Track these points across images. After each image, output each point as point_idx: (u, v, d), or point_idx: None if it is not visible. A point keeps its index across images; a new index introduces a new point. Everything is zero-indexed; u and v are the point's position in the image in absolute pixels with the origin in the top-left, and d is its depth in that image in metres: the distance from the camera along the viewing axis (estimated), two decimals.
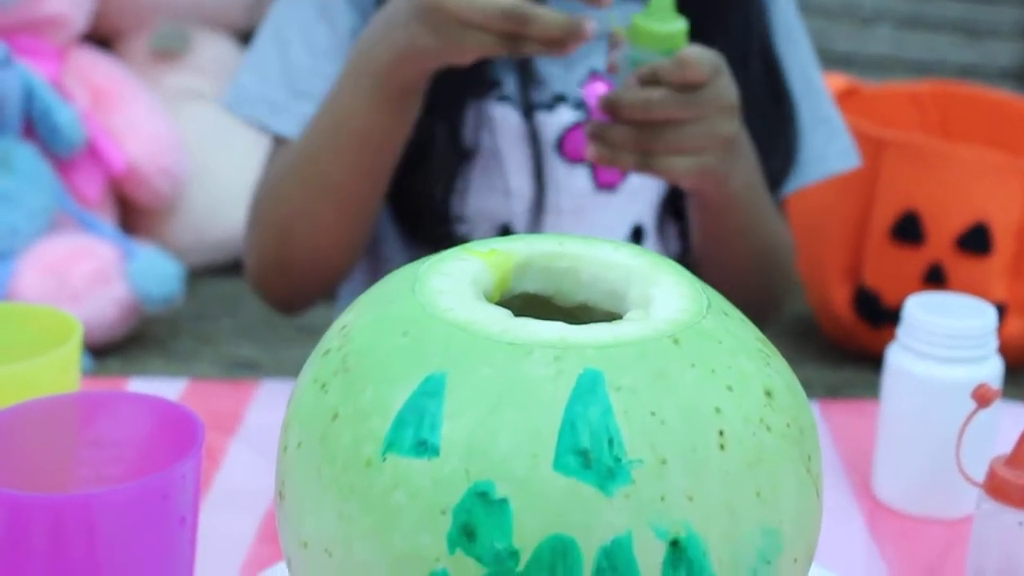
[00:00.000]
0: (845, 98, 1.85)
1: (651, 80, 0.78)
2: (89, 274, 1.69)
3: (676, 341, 0.49)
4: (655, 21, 0.78)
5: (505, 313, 0.50)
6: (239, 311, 1.89)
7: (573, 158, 0.96)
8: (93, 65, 1.95)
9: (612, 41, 0.80)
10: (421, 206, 0.96)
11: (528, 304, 0.57)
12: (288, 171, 0.93)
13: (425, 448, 0.46)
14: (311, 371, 0.52)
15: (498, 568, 0.45)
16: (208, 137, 2.03)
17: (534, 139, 0.94)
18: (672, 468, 0.46)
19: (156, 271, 1.72)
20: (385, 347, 0.49)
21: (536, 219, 0.95)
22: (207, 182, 2.01)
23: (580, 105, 0.95)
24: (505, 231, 0.96)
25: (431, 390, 0.47)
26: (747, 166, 0.88)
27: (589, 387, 0.46)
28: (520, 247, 0.55)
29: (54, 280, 1.68)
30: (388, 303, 0.52)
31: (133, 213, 1.99)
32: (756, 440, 0.48)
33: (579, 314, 0.57)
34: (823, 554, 0.74)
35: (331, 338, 0.53)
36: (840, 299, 1.80)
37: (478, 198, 0.96)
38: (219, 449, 0.83)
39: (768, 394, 0.49)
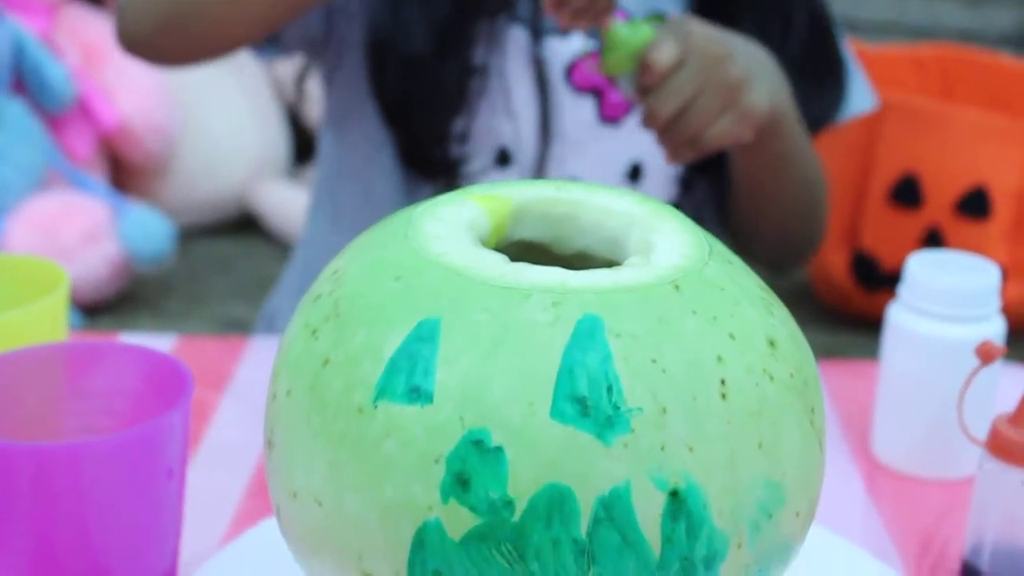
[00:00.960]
0: None
1: (644, 90, 0.80)
2: (80, 232, 1.68)
3: (677, 288, 0.47)
4: (613, 48, 0.80)
5: (502, 258, 0.49)
6: (232, 271, 1.88)
7: (581, 87, 0.94)
8: (84, 21, 1.92)
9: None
10: (422, 123, 0.94)
11: (525, 252, 0.56)
12: None
13: (418, 395, 0.45)
14: (302, 317, 0.51)
15: (493, 518, 0.44)
16: (201, 96, 2.01)
17: (540, 63, 0.93)
18: (672, 417, 0.45)
19: (147, 229, 1.70)
20: (377, 292, 0.48)
21: (536, 145, 0.94)
22: (200, 141, 2.00)
23: (593, 34, 0.94)
24: (504, 156, 0.95)
25: (425, 335, 0.46)
26: (778, 89, 0.87)
27: (588, 333, 0.45)
28: (518, 192, 0.54)
29: (44, 237, 1.66)
30: (381, 248, 0.50)
31: (125, 172, 1.97)
32: (759, 390, 0.47)
33: (577, 262, 0.56)
34: (821, 515, 0.73)
35: (322, 283, 0.51)
36: (837, 263, 1.79)
37: (481, 118, 0.94)
38: (209, 405, 0.82)
39: (771, 343, 0.48)
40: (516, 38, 0.94)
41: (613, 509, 0.44)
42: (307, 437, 0.48)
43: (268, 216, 2.12)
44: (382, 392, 0.46)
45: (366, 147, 0.99)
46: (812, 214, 1.00)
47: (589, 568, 0.44)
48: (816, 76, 0.98)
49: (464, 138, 0.95)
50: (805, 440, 0.48)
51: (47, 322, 0.69)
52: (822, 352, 1.73)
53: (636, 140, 0.96)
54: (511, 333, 0.45)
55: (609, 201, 0.54)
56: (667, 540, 0.45)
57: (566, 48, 0.94)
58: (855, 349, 1.74)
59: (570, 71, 0.94)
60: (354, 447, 0.46)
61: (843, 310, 1.83)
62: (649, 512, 0.44)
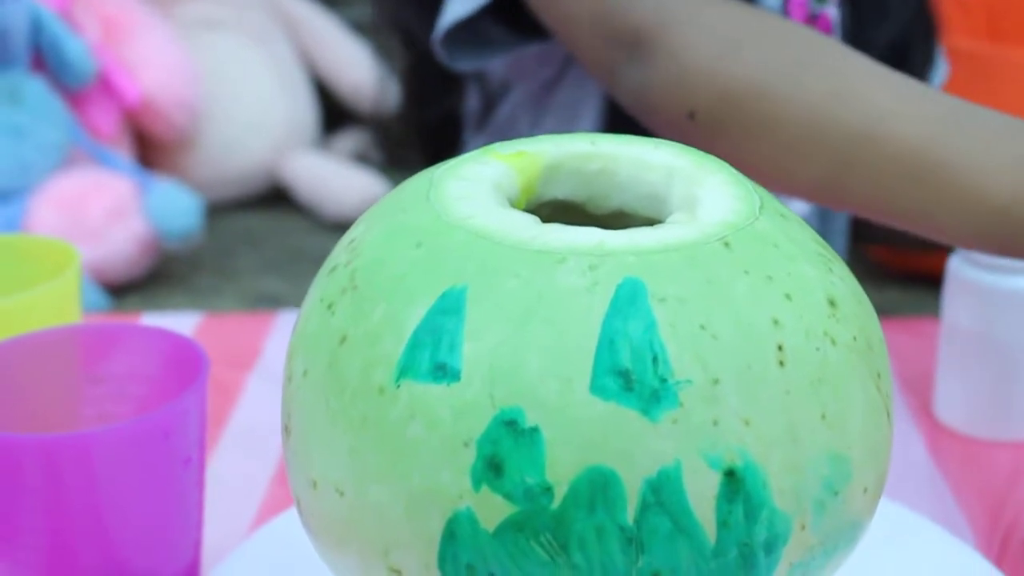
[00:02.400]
0: None
1: None
2: (105, 210, 1.65)
3: (727, 245, 0.43)
4: None
5: (532, 219, 0.44)
6: (262, 245, 1.85)
7: None
8: None
9: None
10: (449, 131, 0.90)
11: (557, 213, 0.51)
12: None
13: (444, 372, 0.41)
14: (317, 291, 0.47)
15: (530, 506, 0.40)
16: (227, 68, 1.98)
17: None
18: (725, 389, 0.40)
19: (174, 205, 1.67)
20: (397, 260, 0.44)
21: None
22: (227, 114, 1.96)
23: None
24: None
25: (449, 307, 0.42)
26: None
27: (629, 298, 0.41)
28: (548, 148, 0.49)
29: (69, 216, 1.63)
30: (400, 212, 0.46)
31: (151, 148, 1.94)
32: (820, 355, 0.42)
33: (615, 223, 0.52)
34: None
35: (338, 254, 0.47)
36: None
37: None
38: (235, 385, 0.79)
39: (832, 303, 0.44)
40: None
41: (662, 492, 0.40)
42: (325, 421, 0.44)
43: (298, 188, 2.08)
44: (404, 370, 0.41)
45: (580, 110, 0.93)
46: None
47: (638, 558, 0.40)
48: (920, 46, 0.91)
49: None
50: (872, 408, 0.44)
51: (59, 304, 0.66)
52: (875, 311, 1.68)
53: None
54: (544, 301, 0.41)
55: (647, 153, 0.49)
56: (723, 524, 0.40)
57: None
58: (907, 307, 1.69)
59: None
60: (376, 431, 0.42)
61: (892, 265, 1.78)
62: (702, 494, 0.40)
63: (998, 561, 0.62)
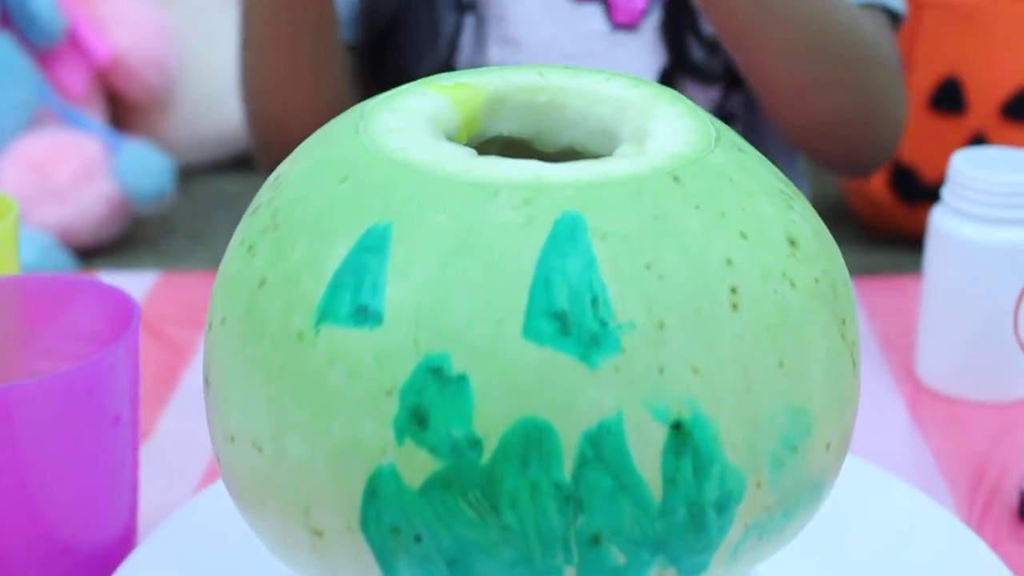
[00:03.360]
0: None
1: None
2: (73, 170, 1.61)
3: (676, 179, 0.39)
4: None
5: (467, 152, 0.41)
6: (236, 208, 1.81)
7: None
8: None
9: None
10: (419, 69, 0.87)
11: (504, 150, 0.48)
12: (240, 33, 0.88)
13: (366, 315, 0.37)
14: (239, 233, 0.43)
15: (456, 461, 0.36)
16: (202, 27, 1.93)
17: None
18: (672, 333, 0.37)
19: (144, 166, 1.63)
20: (320, 197, 0.40)
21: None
22: (202, 75, 1.92)
23: None
24: None
25: (373, 244, 0.38)
26: None
27: (568, 234, 0.37)
28: (492, 79, 0.46)
29: (36, 177, 1.60)
30: (328, 145, 0.42)
31: (125, 109, 1.90)
32: (777, 298, 0.39)
33: (565, 160, 0.48)
34: (860, 444, 0.65)
35: (263, 192, 0.44)
36: (875, 177, 1.71)
37: (481, 52, 0.86)
38: (188, 345, 0.76)
39: (792, 243, 0.40)
40: None
41: (602, 446, 0.36)
42: (243, 371, 0.40)
43: None
44: (324, 314, 0.38)
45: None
46: (853, 79, 0.80)
47: (576, 518, 0.37)
48: None
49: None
50: (835, 357, 0.40)
51: None
52: (860, 273, 1.64)
53: (660, 44, 0.87)
54: (475, 237, 0.37)
55: (598, 85, 0.46)
56: (670, 481, 0.37)
57: None
58: (895, 269, 1.66)
59: None
60: (295, 380, 0.38)
61: (881, 227, 1.75)
62: (647, 448, 0.37)
63: (978, 527, 0.59)
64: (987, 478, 0.62)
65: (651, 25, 0.86)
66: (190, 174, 1.90)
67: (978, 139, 1.61)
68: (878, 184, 1.71)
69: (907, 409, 0.68)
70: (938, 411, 0.68)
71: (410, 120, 0.43)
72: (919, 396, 0.70)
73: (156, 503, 0.61)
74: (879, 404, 0.69)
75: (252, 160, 2.06)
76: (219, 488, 0.57)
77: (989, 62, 1.58)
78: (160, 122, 1.90)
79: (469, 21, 0.86)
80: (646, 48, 0.86)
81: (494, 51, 0.86)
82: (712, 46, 0.87)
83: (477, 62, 0.87)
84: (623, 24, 0.85)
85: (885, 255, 1.72)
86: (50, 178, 1.61)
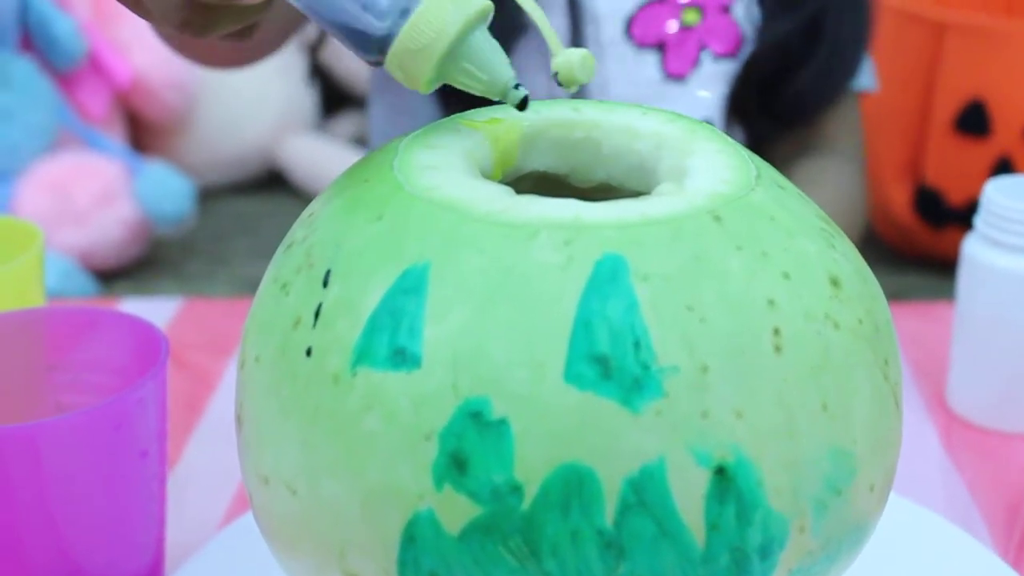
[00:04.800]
0: None
1: None
2: (94, 193, 1.61)
3: (718, 218, 0.39)
4: None
5: (504, 190, 0.40)
6: (257, 230, 1.81)
7: (643, 42, 0.85)
8: None
9: None
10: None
11: (539, 186, 0.47)
12: None
13: (403, 358, 0.37)
14: (273, 270, 0.43)
15: (497, 507, 0.36)
16: None
17: (577, 13, 0.84)
18: (715, 377, 0.36)
19: (165, 188, 1.63)
20: (355, 235, 0.40)
21: None
22: (222, 95, 1.92)
23: None
24: None
25: (410, 286, 0.38)
26: None
27: (609, 277, 0.37)
28: (527, 115, 0.45)
29: (56, 200, 1.60)
30: (362, 183, 0.42)
31: (144, 130, 1.91)
32: (821, 340, 0.38)
33: (600, 196, 0.48)
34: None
35: (297, 229, 0.43)
36: (899, 199, 1.70)
37: (525, 80, 0.85)
38: (214, 373, 0.75)
39: (834, 283, 0.39)
40: None
41: (645, 492, 0.36)
42: (277, 412, 0.40)
43: (294, 171, 2.04)
44: (361, 357, 0.37)
45: (421, 117, 0.90)
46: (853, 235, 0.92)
47: (618, 565, 0.36)
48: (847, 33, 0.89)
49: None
50: (878, 398, 0.40)
51: (19, 286, 0.62)
52: (887, 296, 1.64)
53: (704, 96, 0.87)
54: (514, 280, 0.37)
55: (635, 121, 0.45)
56: (713, 527, 0.36)
57: None
58: (921, 292, 1.65)
59: (629, 24, 0.85)
60: (330, 423, 0.38)
61: (906, 250, 1.74)
62: (690, 494, 0.36)
63: (1015, 562, 0.58)
64: (1023, 512, 0.61)
65: (697, 77, 0.86)
66: (210, 195, 1.90)
67: (1003, 162, 1.61)
68: (903, 207, 1.71)
69: (939, 440, 0.68)
70: (971, 442, 0.67)
71: (445, 157, 0.42)
72: (951, 426, 0.69)
73: (183, 533, 0.61)
74: (910, 433, 0.68)
75: (273, 181, 2.06)
76: (247, 522, 0.56)
77: (1014, 84, 1.58)
78: (180, 143, 1.90)
79: (522, 48, 0.85)
80: (692, 101, 0.87)
81: (539, 81, 0.86)
82: (782, 122, 0.89)
83: (532, 92, 0.86)
84: (674, 75, 0.86)
85: (911, 278, 1.71)
86: (71, 201, 1.61)
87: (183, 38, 0.78)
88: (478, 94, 0.44)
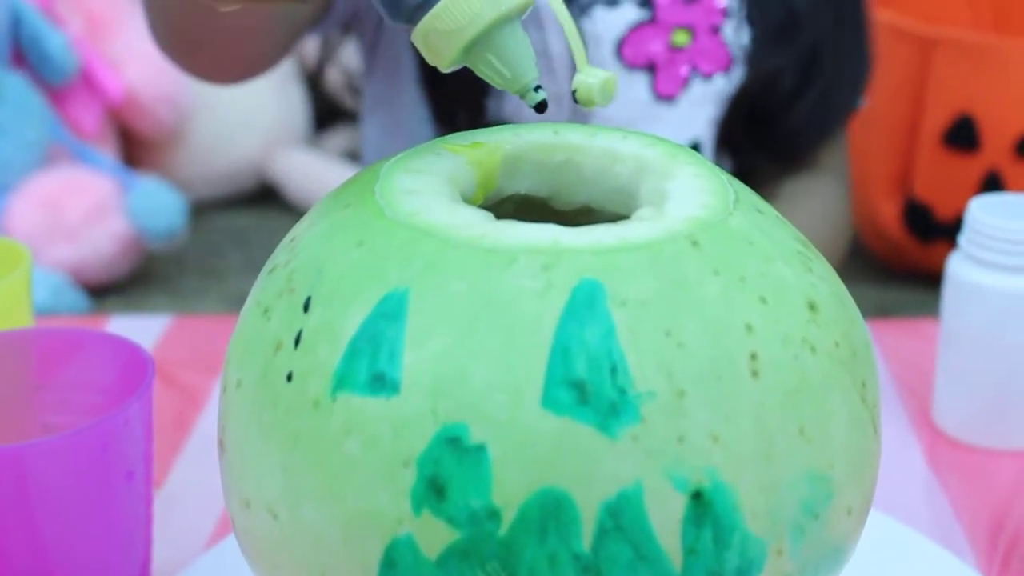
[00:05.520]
0: None
1: None
2: (85, 208, 1.61)
3: (695, 243, 0.39)
4: None
5: (484, 215, 0.40)
6: (250, 245, 1.82)
7: (634, 63, 0.85)
8: None
9: None
10: (457, 105, 0.86)
11: (520, 209, 0.48)
12: None
13: (383, 384, 0.37)
14: (254, 294, 0.43)
15: (475, 531, 0.36)
16: None
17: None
18: (692, 401, 0.37)
19: (157, 203, 1.64)
20: (336, 261, 0.40)
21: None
22: (214, 110, 1.93)
23: (645, 2, 0.85)
24: None
25: (390, 311, 0.38)
26: None
27: (586, 302, 0.37)
28: (508, 138, 0.46)
29: (48, 216, 1.60)
30: (343, 208, 0.42)
31: (136, 145, 1.91)
32: (798, 364, 0.38)
33: (581, 219, 0.48)
34: (877, 495, 0.64)
35: (279, 253, 0.44)
36: (888, 213, 1.70)
37: (517, 100, 0.86)
38: (201, 391, 0.75)
39: (812, 307, 0.40)
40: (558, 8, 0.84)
41: (622, 516, 0.36)
42: (258, 437, 0.40)
43: (287, 186, 2.04)
44: (341, 382, 0.38)
45: (414, 136, 0.90)
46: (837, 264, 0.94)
47: None
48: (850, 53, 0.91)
49: (499, 124, 0.85)
50: (856, 422, 0.40)
51: (7, 306, 0.62)
52: (873, 310, 1.64)
53: (693, 117, 0.88)
54: (493, 305, 0.37)
55: (615, 144, 0.46)
56: (690, 551, 0.37)
57: (616, 19, 0.85)
58: (909, 306, 1.65)
59: (620, 45, 0.86)
60: (310, 448, 0.38)
61: (895, 264, 1.75)
62: (667, 518, 0.36)
63: None
64: (1007, 529, 0.62)
65: (687, 99, 0.87)
66: (202, 210, 1.90)
67: (992, 176, 1.61)
68: (892, 221, 1.71)
69: (924, 456, 0.68)
70: (956, 459, 0.68)
71: (427, 181, 0.43)
72: (936, 443, 0.69)
73: (170, 552, 0.61)
74: (895, 450, 0.68)
75: (265, 196, 2.06)
76: (233, 542, 0.57)
77: (1003, 99, 1.58)
78: (172, 158, 1.91)
79: None
80: (682, 122, 0.87)
81: None
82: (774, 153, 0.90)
83: (516, 109, 0.86)
84: (664, 96, 0.86)
85: (899, 292, 1.71)
86: (62, 216, 1.61)
87: (187, 43, 0.77)
88: (497, 86, 0.44)
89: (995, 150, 1.60)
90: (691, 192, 0.42)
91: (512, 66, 0.43)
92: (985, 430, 0.68)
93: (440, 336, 0.37)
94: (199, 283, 1.72)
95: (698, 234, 0.39)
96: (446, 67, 0.43)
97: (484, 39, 0.43)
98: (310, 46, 2.16)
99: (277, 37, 0.80)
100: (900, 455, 0.68)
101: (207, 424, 0.72)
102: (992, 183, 1.62)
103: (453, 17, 0.42)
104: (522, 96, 0.44)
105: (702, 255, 0.39)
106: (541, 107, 0.44)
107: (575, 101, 0.45)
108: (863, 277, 1.75)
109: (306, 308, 0.40)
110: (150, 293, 1.68)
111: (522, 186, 0.46)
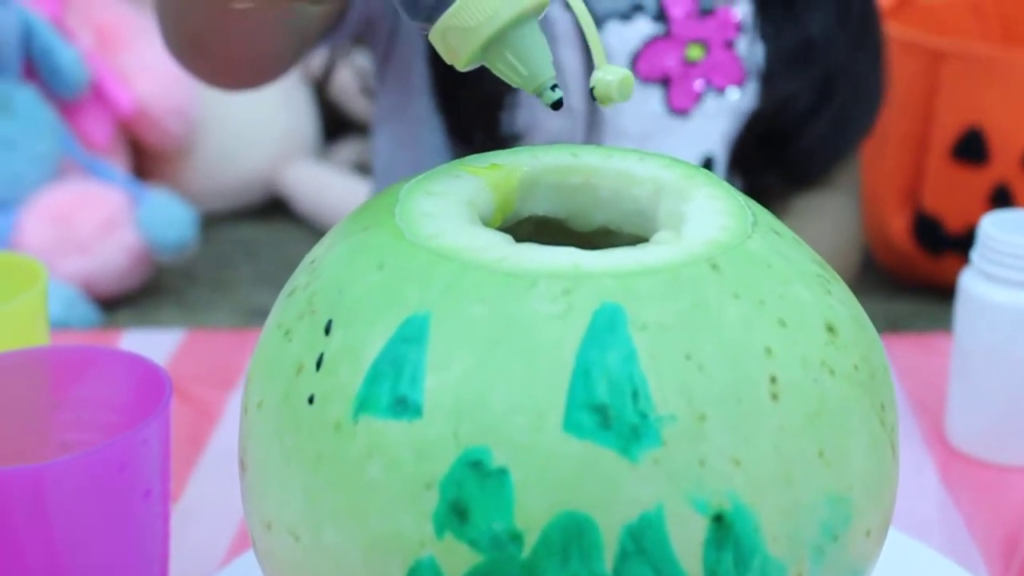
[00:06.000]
0: (899, 8, 1.74)
1: None
2: (97, 222, 1.62)
3: (715, 267, 0.39)
4: None
5: (504, 238, 0.41)
6: (259, 257, 1.82)
7: (648, 77, 0.86)
8: (97, 3, 1.86)
9: None
10: (471, 117, 0.86)
11: (538, 230, 0.48)
12: None
13: (405, 407, 0.37)
14: (275, 315, 0.43)
15: (497, 555, 0.36)
16: None
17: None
18: (712, 425, 0.37)
19: (167, 216, 1.64)
20: (357, 283, 0.40)
21: (594, 141, 0.85)
22: (223, 123, 1.93)
23: (659, 16, 0.85)
24: None
25: (411, 335, 0.38)
26: None
27: (607, 326, 0.37)
28: (526, 160, 0.46)
29: (60, 229, 1.61)
30: (363, 230, 0.43)
31: (146, 158, 1.91)
32: (817, 387, 0.39)
33: (599, 241, 0.48)
34: None
35: (299, 275, 0.44)
36: (898, 226, 1.70)
37: (531, 113, 0.86)
38: (216, 405, 0.76)
39: (830, 329, 0.40)
40: (571, 22, 0.84)
41: (644, 540, 0.36)
42: (280, 459, 0.40)
43: (296, 198, 2.05)
44: (363, 405, 0.38)
45: (426, 148, 0.91)
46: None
47: None
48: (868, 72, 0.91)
49: (513, 136, 0.86)
50: (875, 444, 0.40)
51: (23, 324, 0.62)
52: (884, 324, 1.64)
53: (707, 131, 0.88)
54: (514, 329, 0.37)
55: (632, 166, 0.46)
56: (711, 574, 0.37)
57: (631, 33, 0.85)
58: (920, 319, 1.65)
59: (635, 59, 0.86)
60: (332, 471, 0.38)
61: (905, 276, 1.74)
62: (688, 541, 0.36)
63: None
64: (1021, 545, 0.62)
65: (701, 113, 0.87)
66: (212, 222, 1.90)
67: (1001, 189, 1.61)
68: (902, 234, 1.71)
69: (937, 473, 0.68)
70: (969, 475, 0.68)
71: (446, 204, 0.43)
72: (949, 459, 0.69)
73: (186, 569, 0.61)
74: (908, 466, 0.68)
75: (275, 208, 2.07)
76: (250, 559, 0.57)
77: (1011, 112, 1.58)
78: (182, 170, 1.91)
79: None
80: (696, 136, 0.87)
81: (547, 115, 0.86)
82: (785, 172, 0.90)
83: (531, 122, 0.86)
84: (678, 110, 0.87)
85: (909, 305, 1.71)
86: (73, 229, 1.62)
87: (198, 44, 0.76)
88: (514, 85, 0.44)
89: (1004, 162, 1.60)
90: (709, 214, 0.42)
91: (529, 64, 0.44)
92: (998, 446, 0.68)
93: (462, 360, 0.37)
94: (209, 295, 1.72)
95: (717, 257, 0.40)
96: (463, 65, 0.44)
97: (502, 37, 0.43)
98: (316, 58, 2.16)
99: (289, 39, 0.80)
100: (913, 471, 0.68)
101: (222, 439, 0.72)
102: (1001, 195, 1.62)
103: (471, 15, 0.42)
104: (539, 94, 0.44)
105: (722, 278, 0.39)
106: (557, 105, 0.45)
107: (592, 99, 0.46)
108: (873, 290, 1.75)
109: (327, 330, 0.40)
110: (161, 305, 1.69)
111: (539, 208, 0.46)
